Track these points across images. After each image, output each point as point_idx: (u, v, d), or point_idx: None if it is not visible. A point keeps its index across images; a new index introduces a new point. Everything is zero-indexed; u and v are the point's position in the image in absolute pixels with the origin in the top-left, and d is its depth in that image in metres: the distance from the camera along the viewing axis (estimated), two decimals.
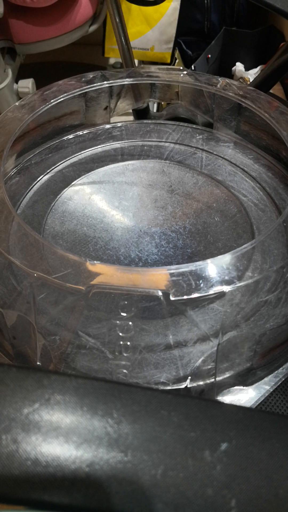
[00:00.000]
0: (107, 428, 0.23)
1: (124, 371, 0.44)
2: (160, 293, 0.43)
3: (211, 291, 0.43)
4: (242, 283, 0.45)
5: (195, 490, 0.21)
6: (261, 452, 0.23)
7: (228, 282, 0.44)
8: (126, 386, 0.25)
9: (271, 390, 0.47)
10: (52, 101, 0.64)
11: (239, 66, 1.56)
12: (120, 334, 0.45)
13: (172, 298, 0.43)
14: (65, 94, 0.65)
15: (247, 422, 0.24)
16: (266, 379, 0.47)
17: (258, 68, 1.57)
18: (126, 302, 0.45)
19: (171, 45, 1.35)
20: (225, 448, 0.23)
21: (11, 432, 0.23)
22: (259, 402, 0.46)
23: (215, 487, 0.21)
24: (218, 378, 0.45)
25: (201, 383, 0.44)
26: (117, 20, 0.85)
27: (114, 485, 0.21)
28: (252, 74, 1.53)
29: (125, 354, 0.45)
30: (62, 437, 0.23)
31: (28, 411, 0.24)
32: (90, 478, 0.22)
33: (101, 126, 0.74)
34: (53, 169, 0.67)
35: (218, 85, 0.67)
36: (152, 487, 0.21)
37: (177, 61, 1.55)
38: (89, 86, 0.67)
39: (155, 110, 1.23)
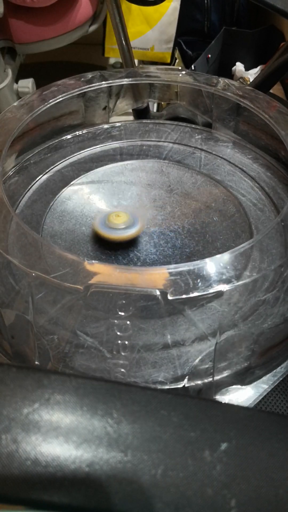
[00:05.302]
0: (107, 428, 0.23)
1: (122, 370, 0.44)
2: (158, 293, 0.43)
3: (209, 291, 0.43)
4: (240, 282, 0.45)
5: (195, 490, 0.21)
6: (261, 452, 0.23)
7: (226, 281, 0.44)
8: (126, 386, 0.26)
9: (269, 389, 0.47)
10: (50, 101, 0.64)
11: (239, 66, 1.56)
12: (118, 333, 0.45)
13: (170, 298, 0.43)
14: (64, 94, 0.65)
15: (247, 422, 0.24)
16: (264, 378, 0.47)
17: (258, 68, 1.57)
18: (124, 302, 0.45)
19: (171, 45, 1.35)
20: (225, 448, 0.23)
21: (11, 432, 0.23)
22: (257, 401, 0.46)
23: (215, 487, 0.21)
24: (216, 377, 0.45)
25: (199, 382, 0.45)
26: (117, 20, 0.85)
27: (114, 485, 0.21)
28: (252, 74, 1.53)
29: (123, 353, 0.45)
30: (62, 437, 0.23)
31: (28, 411, 0.24)
32: (90, 478, 0.22)
33: (100, 126, 0.74)
34: (52, 168, 0.67)
35: (217, 85, 0.67)
36: (152, 487, 0.21)
37: (177, 61, 1.55)
38: (87, 86, 0.67)
39: (155, 110, 1.23)
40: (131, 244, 0.56)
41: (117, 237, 0.55)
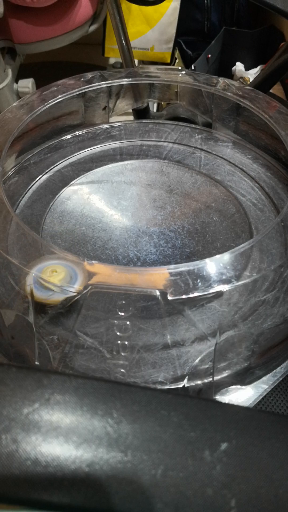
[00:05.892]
0: (107, 428, 0.23)
1: (122, 370, 0.44)
2: (158, 293, 0.43)
3: (209, 291, 0.43)
4: (240, 283, 0.45)
5: (195, 490, 0.21)
6: (261, 452, 0.23)
7: (226, 282, 0.44)
8: (126, 386, 0.26)
9: (269, 389, 0.47)
10: (50, 101, 0.64)
11: (239, 66, 1.56)
12: (118, 333, 0.45)
13: (170, 298, 0.43)
14: (64, 94, 0.65)
15: (247, 422, 0.24)
16: (264, 378, 0.47)
17: (258, 68, 1.57)
18: (124, 302, 0.45)
19: (171, 45, 1.35)
20: (225, 448, 0.23)
21: (11, 432, 0.23)
22: (257, 401, 0.46)
23: (215, 487, 0.21)
24: (216, 378, 0.45)
25: (199, 382, 0.45)
26: (117, 20, 0.85)
27: (114, 485, 0.21)
28: (252, 74, 1.54)
29: (123, 354, 0.45)
30: (62, 437, 0.23)
31: (28, 411, 0.24)
32: (90, 478, 0.22)
33: (100, 126, 0.74)
34: (52, 168, 0.67)
35: (217, 85, 0.67)
36: (152, 487, 0.21)
37: (177, 61, 1.55)
38: (87, 86, 0.67)
39: (155, 110, 1.23)
40: (73, 307, 0.46)
41: (53, 300, 0.45)
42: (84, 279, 0.44)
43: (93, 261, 0.45)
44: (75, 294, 0.44)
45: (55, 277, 0.45)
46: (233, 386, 0.46)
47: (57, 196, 0.61)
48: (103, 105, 0.74)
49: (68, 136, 0.73)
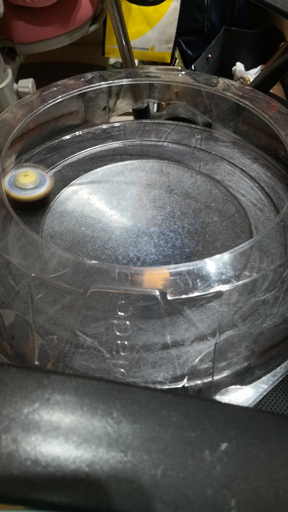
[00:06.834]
0: (107, 428, 0.23)
1: (122, 370, 0.44)
2: (157, 293, 0.43)
3: (209, 291, 0.43)
4: (239, 282, 0.45)
5: (195, 490, 0.21)
6: (261, 452, 0.23)
7: (225, 281, 0.44)
8: (126, 386, 0.26)
9: (269, 389, 0.47)
10: (50, 101, 0.64)
11: (239, 66, 1.56)
12: (118, 333, 0.45)
13: (169, 298, 0.43)
14: (64, 95, 0.65)
15: (247, 422, 0.24)
16: (264, 378, 0.47)
17: (258, 68, 1.57)
18: (123, 302, 0.45)
19: (171, 45, 1.35)
20: (225, 448, 0.23)
21: (11, 432, 0.23)
22: (257, 401, 0.46)
23: (215, 487, 0.21)
24: (215, 377, 0.45)
25: (198, 382, 0.45)
26: (117, 20, 0.85)
27: (114, 485, 0.21)
28: (252, 74, 1.53)
29: (122, 354, 0.45)
30: (62, 437, 0.23)
31: (28, 411, 0.24)
32: (90, 478, 0.22)
33: (100, 126, 0.74)
34: (52, 169, 0.67)
35: (217, 85, 0.67)
36: (152, 487, 0.21)
37: (177, 61, 1.55)
38: (87, 86, 0.67)
39: (155, 110, 1.23)
40: (40, 204, 0.59)
41: (25, 197, 0.57)
42: (50, 182, 0.59)
43: (93, 261, 0.45)
44: (43, 194, 0.58)
45: (26, 179, 0.58)
46: (233, 386, 0.46)
47: (57, 196, 0.61)
48: (103, 105, 0.74)
49: (68, 136, 0.73)
